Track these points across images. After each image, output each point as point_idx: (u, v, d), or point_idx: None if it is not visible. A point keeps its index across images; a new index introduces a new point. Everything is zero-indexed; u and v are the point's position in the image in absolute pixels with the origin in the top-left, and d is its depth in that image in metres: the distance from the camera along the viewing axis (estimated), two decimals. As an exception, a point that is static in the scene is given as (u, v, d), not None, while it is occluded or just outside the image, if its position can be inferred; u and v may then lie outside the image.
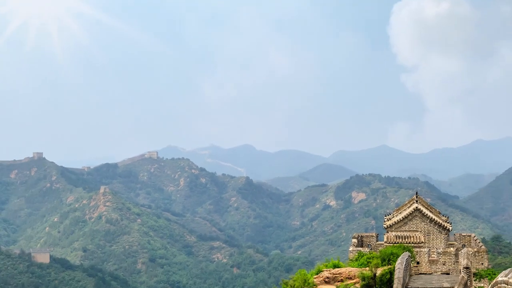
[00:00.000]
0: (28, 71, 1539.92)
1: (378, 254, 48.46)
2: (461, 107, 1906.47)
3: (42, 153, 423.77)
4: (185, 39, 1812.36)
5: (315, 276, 44.81)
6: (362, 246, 56.28)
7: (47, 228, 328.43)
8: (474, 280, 47.86)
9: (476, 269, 49.90)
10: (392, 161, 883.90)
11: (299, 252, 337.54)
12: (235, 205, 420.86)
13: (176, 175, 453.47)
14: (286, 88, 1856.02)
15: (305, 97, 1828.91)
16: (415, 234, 55.02)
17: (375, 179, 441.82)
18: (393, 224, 56.35)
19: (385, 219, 58.67)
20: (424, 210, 56.25)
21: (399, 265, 40.44)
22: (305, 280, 42.01)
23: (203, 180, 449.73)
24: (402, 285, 38.82)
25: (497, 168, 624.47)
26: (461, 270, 42.81)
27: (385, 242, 55.15)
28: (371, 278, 41.41)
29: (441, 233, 55.54)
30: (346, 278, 43.56)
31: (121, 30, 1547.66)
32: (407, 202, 60.36)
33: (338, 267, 46.73)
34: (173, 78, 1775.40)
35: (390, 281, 40.64)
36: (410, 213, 56.18)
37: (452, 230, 57.69)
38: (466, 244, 58.06)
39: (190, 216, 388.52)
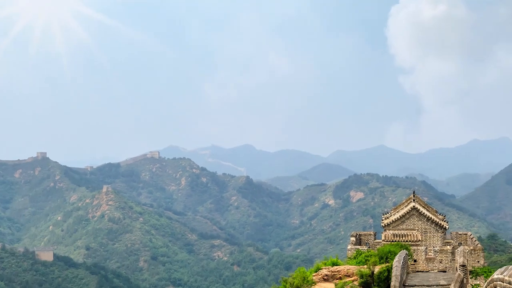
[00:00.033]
0: (32, 72, 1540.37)
1: (376, 252, 48.47)
2: (457, 108, 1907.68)
3: (45, 153, 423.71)
4: (186, 40, 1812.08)
5: (314, 274, 44.79)
6: (360, 244, 56.29)
7: (50, 227, 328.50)
8: (470, 278, 47.86)
9: (472, 267, 49.91)
10: (390, 161, 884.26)
11: (298, 250, 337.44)
12: (236, 204, 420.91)
13: (178, 175, 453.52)
14: (286, 89, 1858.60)
15: (305, 98, 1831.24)
16: (412, 233, 55.04)
17: (373, 179, 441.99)
18: (390, 223, 56.37)
19: (383, 218, 58.69)
20: (421, 209, 56.27)
21: (397, 263, 40.44)
22: (304, 277, 41.99)
23: (204, 180, 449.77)
24: (400, 282, 38.82)
25: (492, 168, 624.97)
26: (458, 268, 42.81)
27: (382, 240, 55.18)
28: (369, 275, 41.41)
29: (438, 232, 55.56)
30: (345, 275, 43.56)
31: (123, 32, 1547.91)
32: (404, 201, 60.41)
33: (336, 265, 46.72)
34: (174, 79, 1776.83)
35: (387, 279, 40.63)
36: (407, 212, 56.21)
37: (449, 228, 57.72)
38: (462, 242, 58.09)
39: (191, 215, 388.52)
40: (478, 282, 47.76)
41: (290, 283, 41.50)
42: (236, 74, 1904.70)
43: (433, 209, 59.27)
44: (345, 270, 44.29)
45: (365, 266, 43.14)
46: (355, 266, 45.29)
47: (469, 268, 48.03)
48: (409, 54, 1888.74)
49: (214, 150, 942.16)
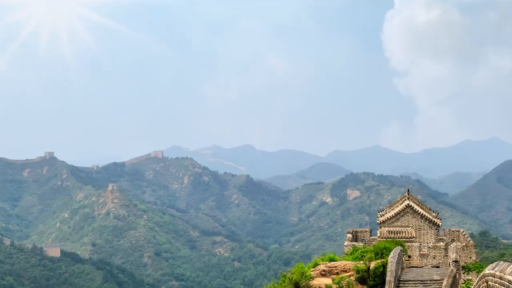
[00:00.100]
0: (40, 75, 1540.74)
1: (372, 248, 48.47)
2: (450, 109, 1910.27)
3: (53, 153, 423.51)
4: (188, 43, 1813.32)
5: (312, 269, 44.81)
6: (356, 241, 56.29)
7: (58, 224, 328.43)
8: (463, 273, 47.88)
9: (464, 262, 49.94)
10: (385, 160, 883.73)
11: (296, 247, 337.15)
12: (236, 202, 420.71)
13: (180, 174, 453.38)
14: (285, 91, 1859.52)
15: (303, 99, 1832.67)
16: (406, 229, 55.04)
17: (369, 177, 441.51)
18: (386, 220, 56.37)
19: (379, 215, 58.71)
20: (415, 206, 56.27)
21: (392, 258, 40.46)
22: (302, 273, 41.98)
23: (206, 178, 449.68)
24: (395, 277, 38.83)
25: (484, 167, 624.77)
26: (451, 263, 42.82)
27: (378, 237, 55.20)
28: (365, 271, 41.41)
29: (432, 229, 55.56)
30: (342, 271, 43.57)
31: (128, 36, 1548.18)
32: (399, 199, 60.42)
33: (333, 261, 46.75)
34: (177, 81, 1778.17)
35: (383, 274, 40.63)
36: (402, 210, 56.22)
37: (442, 225, 57.75)
38: (455, 239, 58.08)
39: (193, 212, 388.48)
40: (470, 277, 47.78)
41: (289, 278, 41.50)
42: (236, 76, 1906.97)
43: (426, 207, 59.28)
44: (342, 265, 44.31)
45: (361, 262, 43.15)
46: (351, 261, 45.30)
47: (462, 263, 48.04)
48: (404, 57, 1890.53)
49: (215, 150, 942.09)
